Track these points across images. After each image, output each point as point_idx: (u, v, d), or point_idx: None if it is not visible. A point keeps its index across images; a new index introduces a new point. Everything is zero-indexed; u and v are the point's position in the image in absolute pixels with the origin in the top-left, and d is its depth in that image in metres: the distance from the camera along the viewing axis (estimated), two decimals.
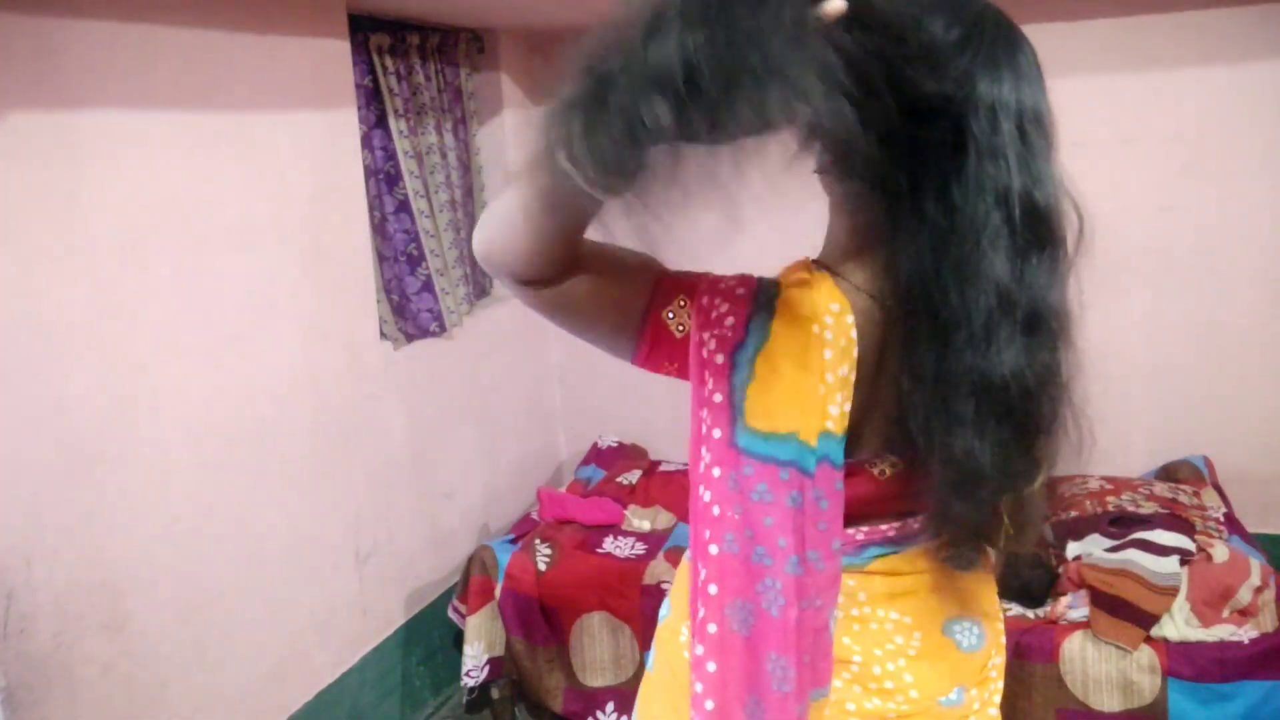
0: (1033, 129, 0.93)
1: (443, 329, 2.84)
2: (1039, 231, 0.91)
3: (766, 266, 1.03)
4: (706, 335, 0.96)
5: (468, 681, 2.65)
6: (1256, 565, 2.30)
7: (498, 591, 2.65)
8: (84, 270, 1.78)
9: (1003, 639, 1.17)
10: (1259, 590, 2.24)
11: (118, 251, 1.84)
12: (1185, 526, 2.44)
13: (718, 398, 0.96)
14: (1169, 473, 2.90)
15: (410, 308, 2.79)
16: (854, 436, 0.98)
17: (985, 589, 1.16)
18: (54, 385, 1.73)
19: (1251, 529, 2.61)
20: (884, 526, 1.07)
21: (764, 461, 0.94)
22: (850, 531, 1.05)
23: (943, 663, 1.09)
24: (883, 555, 1.08)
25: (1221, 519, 2.55)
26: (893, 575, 1.08)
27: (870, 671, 1.07)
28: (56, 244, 1.73)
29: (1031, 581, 2.41)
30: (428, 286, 2.80)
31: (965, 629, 1.12)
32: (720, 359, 0.95)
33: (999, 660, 1.16)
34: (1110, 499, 2.64)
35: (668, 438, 3.45)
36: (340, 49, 2.41)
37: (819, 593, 0.99)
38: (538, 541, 2.74)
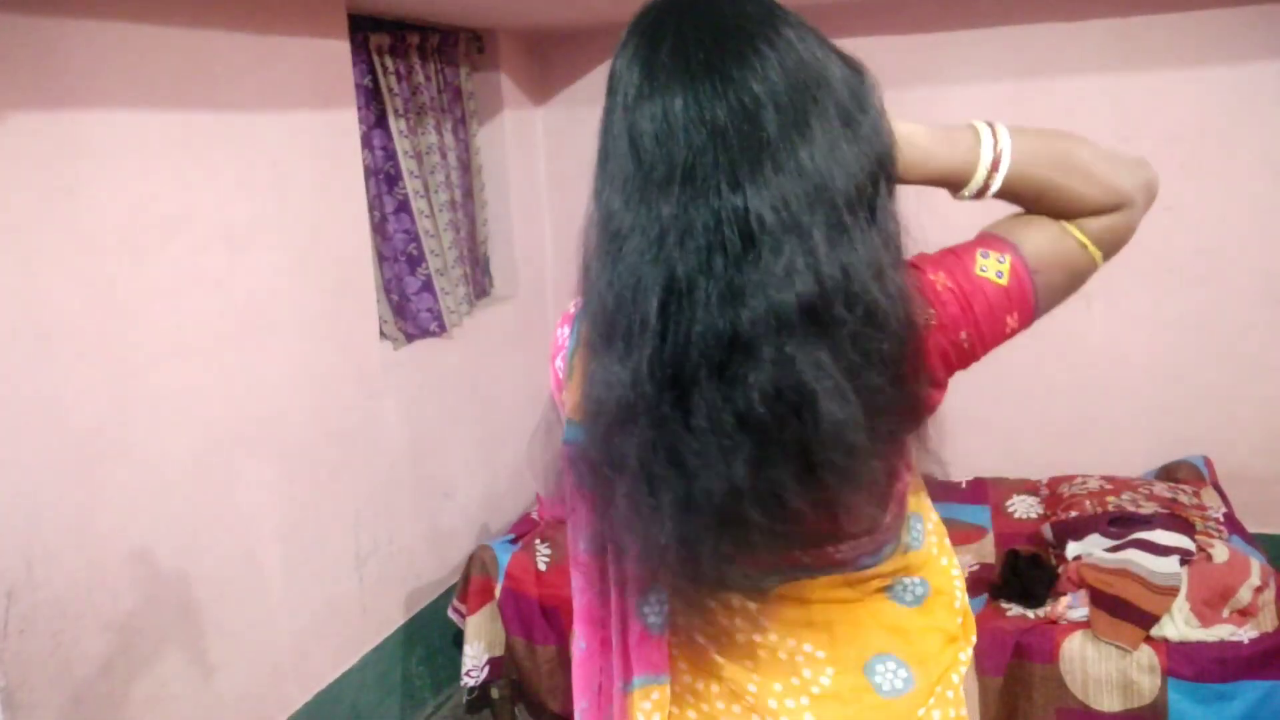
0: None
1: (443, 329, 2.84)
2: None
3: None
4: (559, 359, 1.03)
5: (468, 681, 2.65)
6: (1256, 565, 2.30)
7: (498, 591, 2.65)
8: (84, 270, 1.78)
9: (949, 693, 1.06)
10: (1259, 590, 2.24)
11: (118, 251, 1.84)
12: (1185, 526, 2.44)
13: (559, 396, 1.03)
14: (1169, 473, 2.90)
15: (410, 308, 2.79)
16: None
17: (930, 632, 1.06)
18: (54, 385, 1.73)
19: (1251, 529, 2.61)
20: (798, 552, 0.99)
21: (571, 448, 0.98)
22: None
23: (853, 706, 1.01)
24: (794, 580, 1.01)
25: (1221, 519, 2.55)
26: (804, 603, 1.02)
27: (765, 705, 1.01)
28: (56, 244, 1.73)
29: (1032, 581, 2.41)
30: (428, 286, 2.80)
31: (889, 671, 1.03)
32: (560, 365, 1.02)
33: (939, 714, 1.05)
34: (1110, 499, 2.64)
35: None
36: (340, 49, 2.41)
37: (630, 580, 1.01)
38: (538, 541, 2.74)
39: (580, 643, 1.11)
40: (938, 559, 1.11)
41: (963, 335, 0.92)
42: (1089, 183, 0.92)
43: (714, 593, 1.02)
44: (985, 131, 0.94)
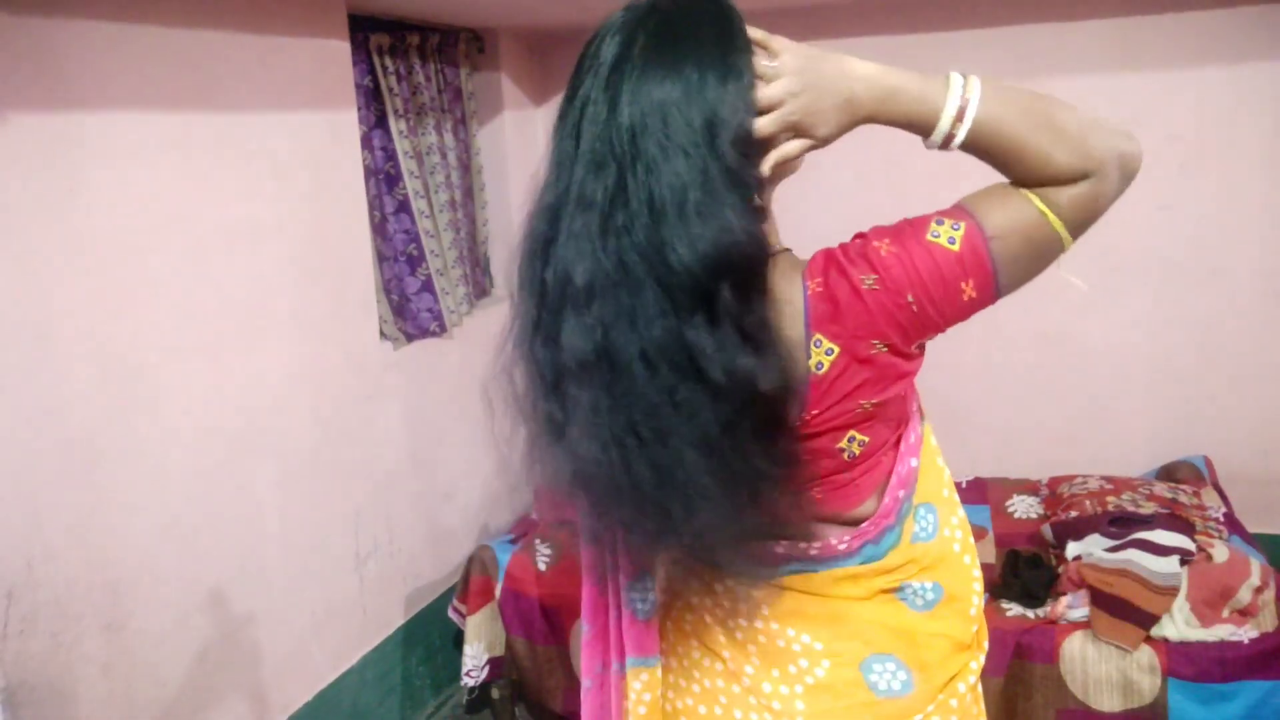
0: None
1: (443, 329, 2.84)
2: None
3: None
4: None
5: (468, 681, 2.65)
6: (1256, 565, 2.30)
7: (498, 591, 2.65)
8: (84, 270, 1.78)
9: (952, 701, 1.07)
10: (1259, 590, 2.24)
11: (118, 251, 1.84)
12: (1185, 526, 2.44)
13: None
14: (1169, 473, 2.90)
15: (410, 308, 2.79)
16: None
17: (937, 638, 1.07)
18: (54, 385, 1.73)
19: (1251, 529, 2.61)
20: (803, 544, 1.05)
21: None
22: (771, 544, 1.05)
23: (844, 700, 1.04)
24: (800, 572, 1.05)
25: (1221, 519, 2.55)
26: (808, 594, 1.05)
27: (760, 688, 1.06)
28: (56, 244, 1.73)
29: (1032, 582, 2.41)
30: (428, 286, 2.80)
31: (887, 672, 1.05)
32: None
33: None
34: (1110, 499, 2.64)
35: None
36: (340, 49, 2.41)
37: (623, 568, 1.10)
38: (538, 541, 2.74)
39: (586, 626, 1.18)
40: (959, 556, 1.12)
41: (909, 298, 0.93)
42: (1057, 144, 0.91)
43: (720, 577, 1.09)
44: (957, 81, 0.93)
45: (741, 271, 0.89)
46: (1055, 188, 0.92)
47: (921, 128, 0.95)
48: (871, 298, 0.93)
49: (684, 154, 0.88)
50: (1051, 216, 0.92)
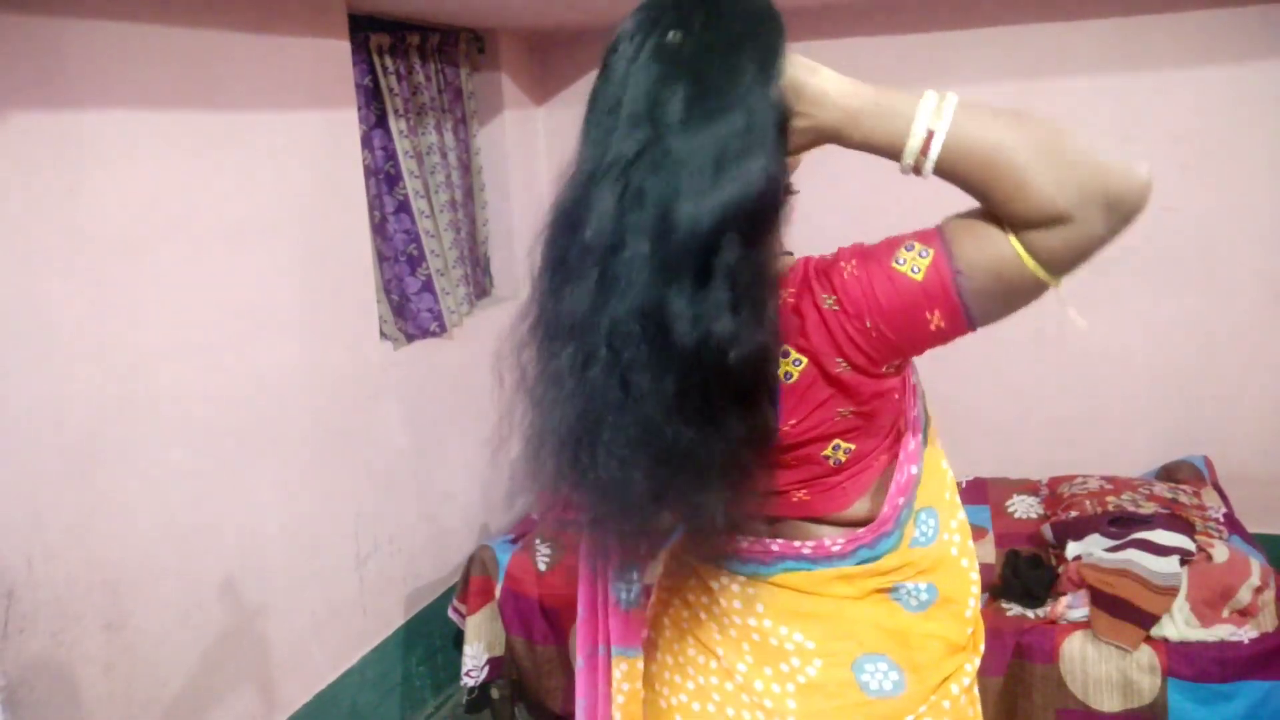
0: None
1: (443, 329, 2.84)
2: None
3: None
4: None
5: (468, 681, 2.65)
6: (1256, 565, 2.30)
7: (498, 591, 2.65)
8: (84, 270, 1.78)
9: (945, 703, 1.06)
10: (1259, 590, 2.24)
11: (118, 251, 1.84)
12: (1185, 526, 2.44)
13: None
14: (1169, 473, 2.90)
15: (410, 308, 2.79)
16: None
17: (931, 639, 1.06)
18: (54, 385, 1.73)
19: (1251, 529, 2.61)
20: (798, 543, 1.05)
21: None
22: (768, 541, 1.06)
23: (836, 700, 1.03)
24: (794, 570, 1.05)
25: (1221, 519, 2.55)
26: (801, 593, 1.05)
27: (752, 686, 1.06)
28: (57, 244, 1.73)
29: (1032, 581, 2.41)
30: (428, 286, 2.80)
31: (879, 672, 1.04)
32: None
33: None
34: (1110, 499, 2.64)
35: None
36: (340, 49, 2.41)
37: (611, 560, 1.12)
38: (538, 541, 2.74)
39: (580, 609, 1.21)
40: (957, 560, 1.11)
41: (868, 323, 0.91)
42: (1029, 186, 0.82)
43: (716, 574, 1.09)
44: (927, 106, 0.86)
45: (754, 219, 0.85)
46: (1030, 231, 0.84)
47: (888, 155, 0.89)
48: (832, 318, 0.92)
49: (727, 111, 0.85)
50: (1027, 257, 0.85)
